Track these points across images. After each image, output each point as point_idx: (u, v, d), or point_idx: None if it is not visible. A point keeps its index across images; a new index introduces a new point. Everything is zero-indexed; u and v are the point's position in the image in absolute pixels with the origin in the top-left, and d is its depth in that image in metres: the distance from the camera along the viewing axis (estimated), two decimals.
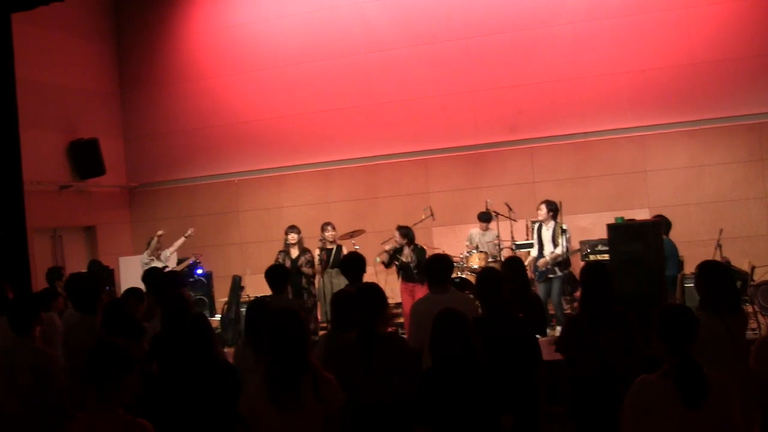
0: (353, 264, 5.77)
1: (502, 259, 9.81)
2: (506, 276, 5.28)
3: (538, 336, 5.01)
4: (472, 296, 5.67)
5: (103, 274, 10.38)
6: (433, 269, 5.02)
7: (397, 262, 9.23)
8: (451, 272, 5.17)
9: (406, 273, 9.17)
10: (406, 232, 9.28)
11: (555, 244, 8.78)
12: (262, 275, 5.87)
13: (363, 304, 4.15)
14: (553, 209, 8.86)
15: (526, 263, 9.30)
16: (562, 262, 8.79)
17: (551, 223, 8.87)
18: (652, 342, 3.14)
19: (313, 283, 9.51)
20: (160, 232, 10.33)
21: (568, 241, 8.91)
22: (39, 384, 4.28)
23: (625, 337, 4.20)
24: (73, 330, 5.14)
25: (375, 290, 4.27)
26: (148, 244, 10.18)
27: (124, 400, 2.88)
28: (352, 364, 4.07)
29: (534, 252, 9.21)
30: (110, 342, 3.00)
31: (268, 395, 3.18)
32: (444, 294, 4.86)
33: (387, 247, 9.33)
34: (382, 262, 9.43)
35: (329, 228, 9.64)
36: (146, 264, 9.74)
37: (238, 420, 3.28)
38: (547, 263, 8.77)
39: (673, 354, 3.03)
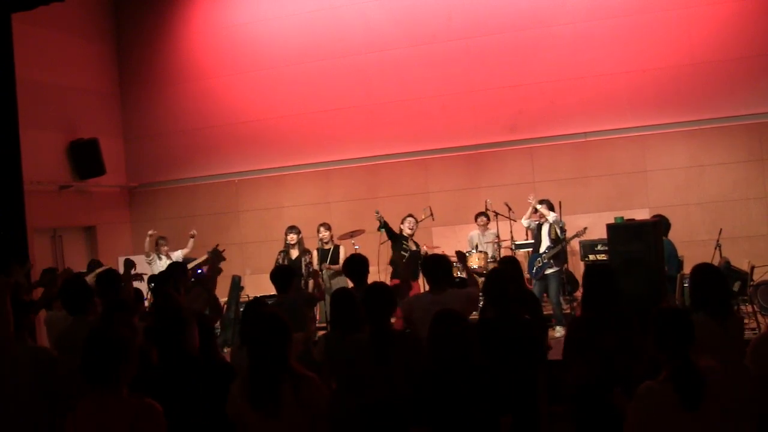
0: (357, 266, 5.65)
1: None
2: (512, 276, 5.26)
3: None
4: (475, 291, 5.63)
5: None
6: (431, 270, 5.02)
7: (405, 244, 9.23)
8: (450, 272, 5.17)
9: (406, 265, 8.84)
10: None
11: (552, 239, 8.81)
12: (262, 275, 5.87)
13: (376, 303, 4.16)
14: (552, 207, 8.95)
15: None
16: (559, 254, 8.80)
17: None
18: (650, 345, 3.13)
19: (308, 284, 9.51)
20: (150, 232, 10.38)
21: (564, 231, 9.00)
22: (40, 382, 4.25)
23: (627, 338, 4.20)
24: (66, 333, 5.06)
25: (386, 289, 4.34)
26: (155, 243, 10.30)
27: (125, 383, 2.95)
28: (357, 364, 4.07)
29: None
30: (104, 332, 3.02)
31: (249, 399, 3.17)
32: (441, 293, 4.88)
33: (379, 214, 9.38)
34: (380, 220, 9.32)
35: (323, 229, 9.65)
36: (148, 262, 9.84)
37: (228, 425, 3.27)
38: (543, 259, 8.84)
39: (671, 357, 3.02)
